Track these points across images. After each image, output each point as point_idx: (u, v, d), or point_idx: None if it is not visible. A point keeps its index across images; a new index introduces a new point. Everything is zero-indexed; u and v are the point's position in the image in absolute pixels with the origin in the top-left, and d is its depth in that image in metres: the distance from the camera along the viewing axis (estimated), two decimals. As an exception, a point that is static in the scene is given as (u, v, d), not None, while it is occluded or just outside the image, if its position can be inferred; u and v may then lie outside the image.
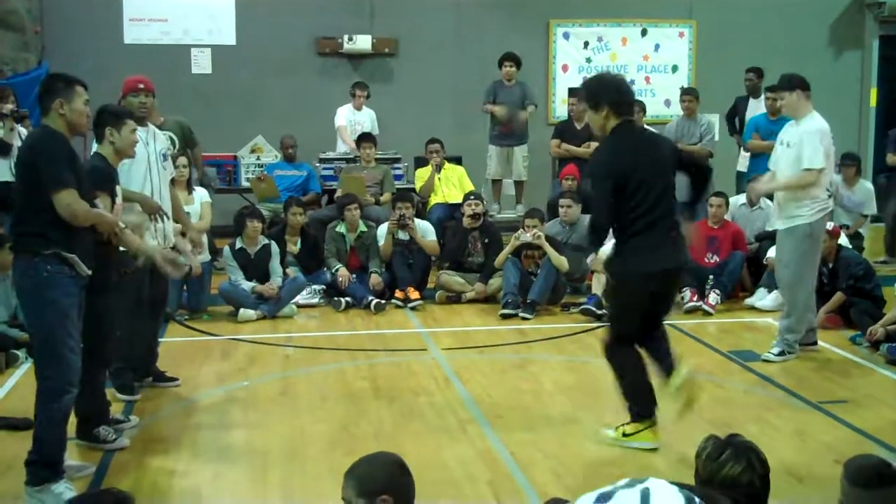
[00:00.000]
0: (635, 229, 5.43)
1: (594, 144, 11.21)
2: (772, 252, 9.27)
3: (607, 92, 5.52)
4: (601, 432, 5.78)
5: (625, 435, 5.67)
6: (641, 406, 5.67)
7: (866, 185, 11.03)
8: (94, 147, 5.90)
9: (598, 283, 9.04)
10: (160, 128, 10.37)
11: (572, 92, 12.30)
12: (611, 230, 5.62)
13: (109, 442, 5.64)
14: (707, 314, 9.04)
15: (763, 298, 9.28)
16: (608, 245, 6.04)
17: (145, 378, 6.79)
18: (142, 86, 6.84)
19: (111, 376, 6.26)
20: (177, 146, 10.37)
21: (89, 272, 4.99)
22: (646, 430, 5.65)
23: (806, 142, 7.17)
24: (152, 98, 6.95)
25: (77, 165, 4.97)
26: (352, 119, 12.11)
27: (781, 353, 7.45)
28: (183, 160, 9.15)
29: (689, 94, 11.04)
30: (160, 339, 8.12)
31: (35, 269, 4.83)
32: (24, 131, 9.79)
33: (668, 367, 5.63)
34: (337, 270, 9.54)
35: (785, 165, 7.37)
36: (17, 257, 4.96)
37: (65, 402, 4.92)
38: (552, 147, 11.56)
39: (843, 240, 8.96)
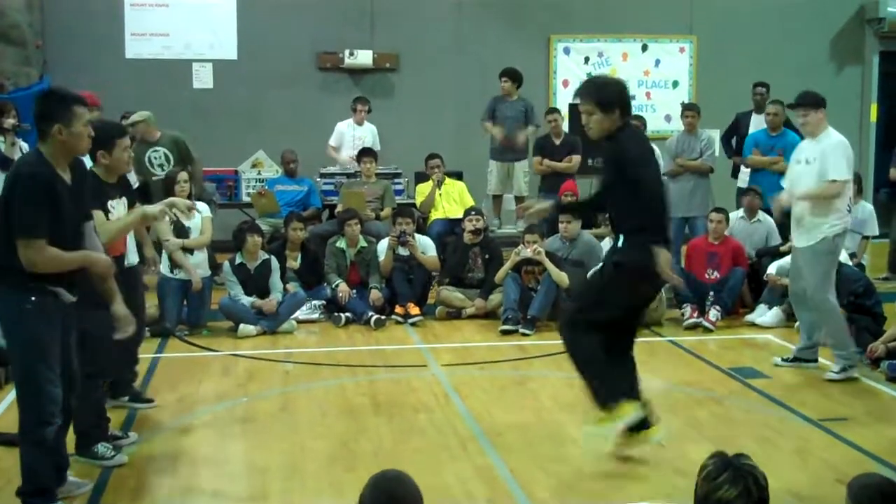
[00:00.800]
0: (640, 224, 5.45)
1: (576, 158, 11.34)
2: (772, 268, 9.29)
3: (619, 95, 5.58)
4: (581, 436, 5.68)
5: (600, 420, 5.51)
6: (609, 389, 5.52)
7: (867, 207, 10.97)
8: None
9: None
10: (156, 143, 10.54)
11: (551, 110, 12.28)
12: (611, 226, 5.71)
13: (108, 459, 5.61)
14: (707, 330, 9.02)
15: (764, 315, 9.26)
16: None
17: (121, 397, 6.68)
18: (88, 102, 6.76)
19: None
20: (171, 162, 10.44)
21: (74, 299, 4.86)
22: (623, 406, 5.47)
23: (829, 154, 7.19)
24: (98, 112, 6.81)
25: (60, 200, 4.68)
26: (353, 134, 12.11)
27: (843, 370, 7.39)
28: (183, 175, 9.15)
29: (691, 110, 11.05)
30: (160, 355, 8.17)
31: (18, 300, 4.67)
32: (25, 146, 9.80)
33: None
34: (337, 286, 9.53)
35: (806, 183, 7.34)
36: (1, 285, 4.73)
37: (48, 434, 4.79)
38: (535, 164, 11.63)
39: (843, 256, 8.94)
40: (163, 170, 10.34)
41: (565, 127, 11.94)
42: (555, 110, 12.13)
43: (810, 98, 7.41)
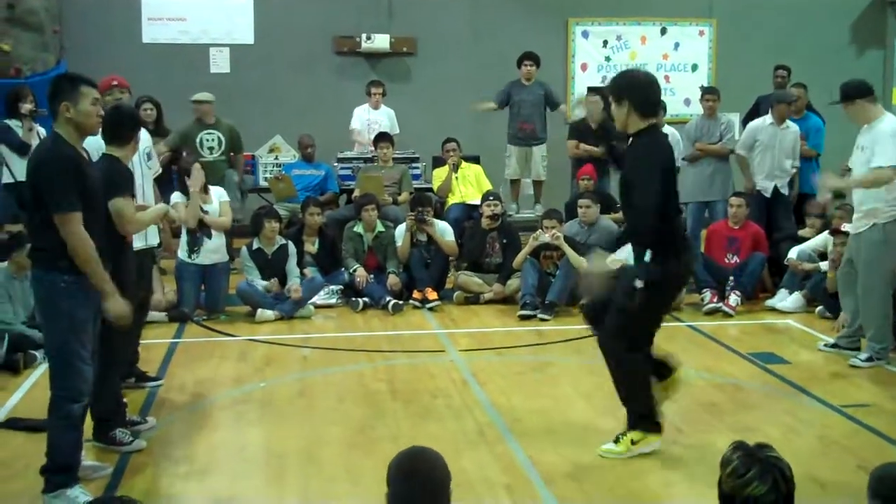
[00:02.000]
0: (669, 234, 5.32)
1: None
2: (793, 253, 9.22)
3: (633, 89, 5.35)
4: (603, 449, 5.57)
5: (633, 443, 5.53)
6: (651, 412, 5.55)
7: None
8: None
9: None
10: (212, 127, 10.74)
11: (591, 90, 12.23)
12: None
13: (126, 444, 5.63)
14: (727, 316, 8.97)
15: (784, 300, 9.20)
16: (624, 250, 5.86)
17: (128, 379, 6.67)
18: (115, 83, 6.78)
19: None
20: (222, 147, 10.64)
21: None
22: (651, 434, 5.54)
23: (879, 141, 7.07)
24: (128, 94, 6.88)
25: (85, 177, 4.85)
26: (367, 118, 12.07)
27: (869, 359, 7.32)
28: (197, 165, 9.15)
29: (711, 94, 10.94)
30: (178, 340, 8.18)
31: (51, 280, 4.80)
32: (42, 131, 9.81)
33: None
34: (355, 271, 9.51)
35: (860, 169, 7.28)
36: (35, 267, 4.94)
37: (76, 411, 4.90)
38: (570, 148, 11.47)
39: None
40: (212, 153, 10.71)
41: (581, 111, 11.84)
42: (595, 90, 11.95)
43: (842, 93, 7.31)
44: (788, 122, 10.16)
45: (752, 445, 3.07)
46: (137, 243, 6.14)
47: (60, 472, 4.89)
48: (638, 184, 5.25)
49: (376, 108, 12.10)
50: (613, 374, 5.58)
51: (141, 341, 6.86)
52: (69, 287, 4.79)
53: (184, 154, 10.32)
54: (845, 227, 7.54)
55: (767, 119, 10.23)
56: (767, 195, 10.18)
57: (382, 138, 11.19)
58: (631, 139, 5.42)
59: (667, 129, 11.06)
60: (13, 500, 5.03)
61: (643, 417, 5.54)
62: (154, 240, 6.66)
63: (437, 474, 3.03)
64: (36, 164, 4.88)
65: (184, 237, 8.90)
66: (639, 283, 5.20)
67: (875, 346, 7.34)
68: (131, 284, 5.54)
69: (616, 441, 5.56)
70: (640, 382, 5.53)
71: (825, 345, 7.81)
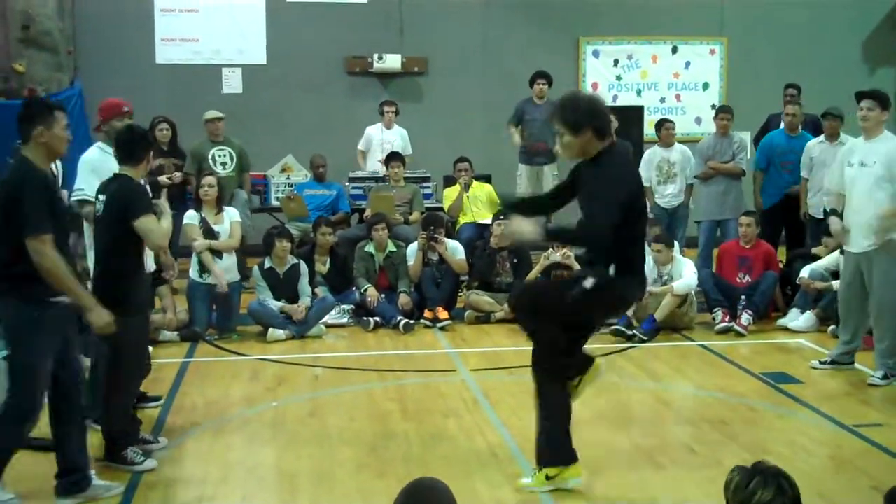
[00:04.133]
0: (633, 254, 5.22)
1: None
2: (805, 272, 9.19)
3: (595, 116, 5.13)
4: (519, 483, 5.36)
5: (548, 478, 5.25)
6: (567, 447, 5.31)
7: None
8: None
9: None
10: (223, 143, 11.03)
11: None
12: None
13: (137, 464, 5.63)
14: (739, 335, 8.94)
15: (796, 319, 9.16)
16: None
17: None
18: (126, 108, 6.83)
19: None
20: (234, 162, 10.93)
21: (68, 300, 4.98)
22: (571, 468, 5.28)
23: None
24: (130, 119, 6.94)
25: (56, 199, 4.99)
26: (381, 138, 12.11)
27: (885, 377, 7.32)
28: (211, 180, 9.24)
29: (726, 113, 10.95)
30: (189, 360, 8.20)
31: (22, 311, 4.86)
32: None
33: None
34: (366, 290, 9.53)
35: (864, 184, 7.23)
36: (3, 297, 4.90)
37: (22, 431, 4.97)
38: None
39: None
40: (224, 168, 10.91)
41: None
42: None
43: (880, 94, 7.29)
44: (842, 138, 9.75)
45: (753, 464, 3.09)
46: None
47: None
48: (603, 198, 5.04)
49: (389, 127, 12.14)
50: (539, 398, 5.35)
51: (154, 361, 6.88)
52: (41, 318, 4.86)
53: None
54: (850, 248, 7.48)
55: (819, 137, 10.09)
56: (819, 215, 9.70)
57: (394, 158, 11.23)
58: (592, 159, 5.20)
59: (677, 147, 11.13)
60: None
61: (556, 451, 5.28)
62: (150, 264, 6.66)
63: None
64: (9, 187, 4.91)
65: (195, 257, 8.95)
66: (588, 283, 5.05)
67: (889, 361, 7.34)
68: (146, 304, 5.59)
69: (534, 476, 5.33)
70: (562, 412, 5.33)
71: (821, 362, 7.78)
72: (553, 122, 5.34)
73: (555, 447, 5.28)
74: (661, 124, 11.29)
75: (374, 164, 11.98)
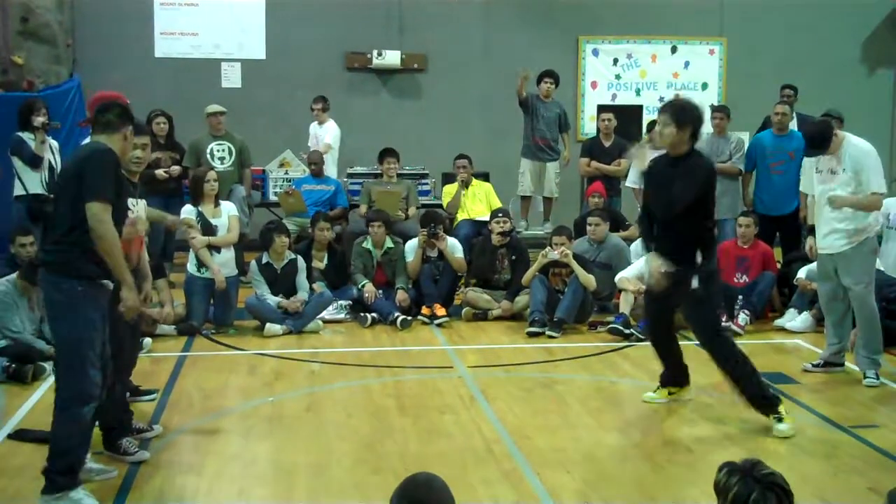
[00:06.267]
0: (711, 237, 6.37)
1: (624, 162, 11.16)
2: (802, 273, 9.19)
3: (698, 120, 6.30)
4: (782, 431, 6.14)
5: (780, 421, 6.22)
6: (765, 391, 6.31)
7: None
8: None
9: (625, 302, 8.99)
10: (222, 138, 11.02)
11: (603, 108, 12.24)
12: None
13: (131, 454, 5.64)
14: (736, 335, 8.92)
15: (793, 319, 9.17)
16: (634, 268, 6.30)
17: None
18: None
19: None
20: (232, 157, 10.96)
21: (112, 287, 5.08)
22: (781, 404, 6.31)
23: (865, 166, 7.11)
24: None
25: (121, 185, 5.08)
26: (313, 134, 12.18)
27: (876, 375, 7.40)
28: (212, 174, 9.23)
29: (719, 112, 10.94)
30: (186, 354, 8.19)
31: (69, 285, 4.89)
32: (55, 144, 9.86)
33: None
34: (363, 286, 9.52)
35: (840, 190, 7.24)
36: (50, 273, 4.99)
37: (86, 414, 4.97)
38: (582, 165, 11.49)
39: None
40: (223, 163, 10.95)
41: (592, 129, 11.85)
42: (607, 109, 11.96)
43: (823, 137, 7.25)
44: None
45: (746, 465, 3.04)
46: None
47: (63, 474, 4.92)
48: (701, 194, 6.17)
49: (321, 123, 12.14)
50: (724, 368, 6.34)
51: (151, 354, 6.86)
52: (86, 291, 4.91)
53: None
54: (824, 250, 7.50)
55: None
56: None
57: (389, 154, 11.23)
58: (682, 158, 6.25)
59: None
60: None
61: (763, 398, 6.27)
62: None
63: None
64: (86, 155, 5.04)
65: (192, 251, 8.94)
66: (695, 283, 6.15)
67: (874, 356, 7.41)
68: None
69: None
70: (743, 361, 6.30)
71: (813, 365, 7.78)
72: (661, 113, 6.32)
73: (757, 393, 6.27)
74: (652, 125, 11.23)
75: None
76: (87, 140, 6.83)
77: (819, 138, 7.20)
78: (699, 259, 6.20)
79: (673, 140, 6.22)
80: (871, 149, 7.22)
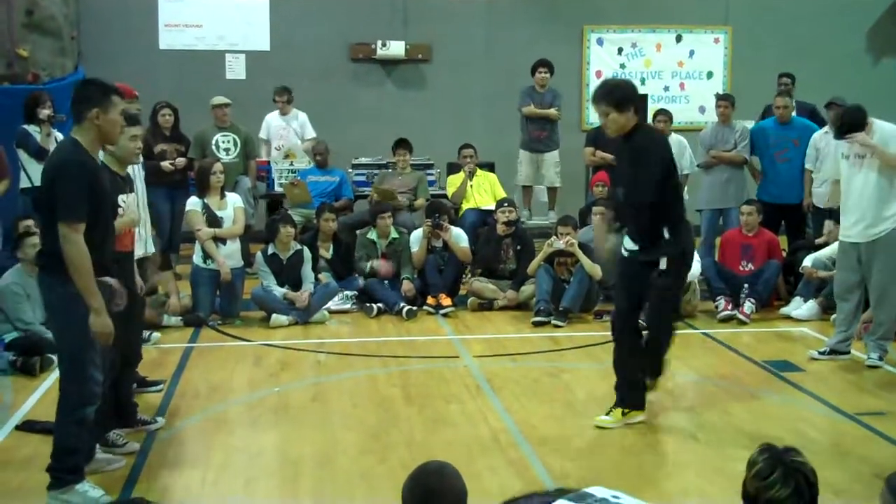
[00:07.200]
0: (678, 213, 6.16)
1: None
2: (808, 261, 9.19)
3: (633, 95, 6.11)
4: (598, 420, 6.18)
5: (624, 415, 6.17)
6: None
7: None
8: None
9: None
10: (227, 129, 11.02)
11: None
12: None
13: (119, 446, 5.67)
14: (742, 323, 8.95)
15: (799, 308, 9.17)
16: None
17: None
18: (136, 94, 6.82)
19: None
20: (237, 149, 10.96)
21: (115, 283, 5.03)
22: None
23: (889, 140, 7.21)
24: (136, 103, 6.89)
25: (100, 187, 4.89)
26: (278, 125, 12.01)
27: (880, 357, 7.47)
28: (219, 166, 9.24)
29: (724, 101, 10.90)
30: (193, 345, 8.21)
31: (63, 288, 4.80)
32: (60, 136, 9.86)
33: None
34: (369, 270, 9.59)
35: (865, 173, 7.31)
36: (45, 273, 4.95)
37: (88, 414, 4.96)
38: (586, 155, 11.46)
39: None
40: (227, 154, 10.92)
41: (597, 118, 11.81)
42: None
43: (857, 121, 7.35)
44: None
45: (780, 448, 3.06)
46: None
47: (69, 472, 4.94)
48: (661, 179, 5.96)
49: (284, 114, 12.00)
50: (650, 351, 6.29)
51: (158, 346, 6.88)
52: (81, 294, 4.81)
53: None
54: (850, 238, 7.50)
55: (825, 128, 10.04)
56: (821, 206, 9.83)
57: (401, 145, 11.21)
58: (629, 135, 6.08)
59: (673, 136, 11.07)
60: (34, 495, 5.07)
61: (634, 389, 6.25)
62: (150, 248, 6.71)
63: (454, 496, 2.98)
64: (54, 167, 4.89)
65: (198, 243, 8.96)
66: (663, 264, 5.97)
67: (883, 343, 7.47)
68: (134, 289, 5.62)
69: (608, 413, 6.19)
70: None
71: (819, 352, 7.76)
72: (596, 104, 6.12)
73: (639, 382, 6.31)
74: (656, 116, 11.24)
75: (273, 152, 11.90)
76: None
77: (858, 123, 7.26)
78: (666, 236, 6.00)
79: (619, 124, 5.99)
80: (892, 127, 7.31)
